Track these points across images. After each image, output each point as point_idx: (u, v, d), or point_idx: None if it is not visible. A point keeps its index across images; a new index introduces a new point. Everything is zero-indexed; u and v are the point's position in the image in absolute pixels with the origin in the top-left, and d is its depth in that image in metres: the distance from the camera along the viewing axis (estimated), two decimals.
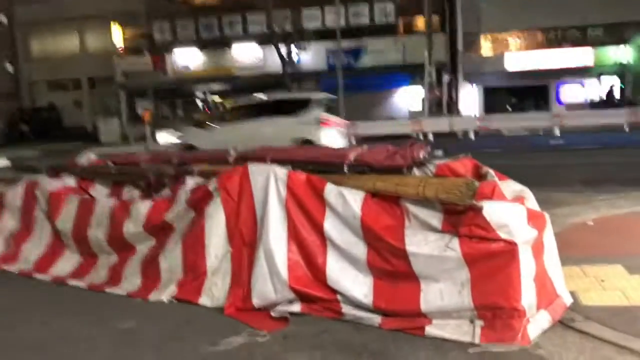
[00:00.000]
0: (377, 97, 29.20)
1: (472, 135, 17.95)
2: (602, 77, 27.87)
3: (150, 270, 4.84)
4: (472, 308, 3.63)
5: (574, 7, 25.81)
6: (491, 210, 3.58)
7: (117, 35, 31.63)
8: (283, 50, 24.90)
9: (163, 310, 4.42)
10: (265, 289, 4.19)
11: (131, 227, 5.04)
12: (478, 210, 3.60)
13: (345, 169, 4.39)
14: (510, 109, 29.23)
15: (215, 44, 30.35)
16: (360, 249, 4.03)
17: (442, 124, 18.12)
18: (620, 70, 27.15)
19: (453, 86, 28.60)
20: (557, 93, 29.79)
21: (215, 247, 4.56)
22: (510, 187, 4.03)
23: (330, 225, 4.16)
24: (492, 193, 3.74)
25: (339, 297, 4.07)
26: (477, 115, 19.24)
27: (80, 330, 4.11)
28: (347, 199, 4.10)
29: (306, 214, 4.27)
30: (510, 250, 3.55)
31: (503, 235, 3.57)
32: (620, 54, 26.76)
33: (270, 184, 4.40)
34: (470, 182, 3.73)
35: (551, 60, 27.60)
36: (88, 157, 6.27)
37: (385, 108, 29.00)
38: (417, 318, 3.79)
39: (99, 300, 4.72)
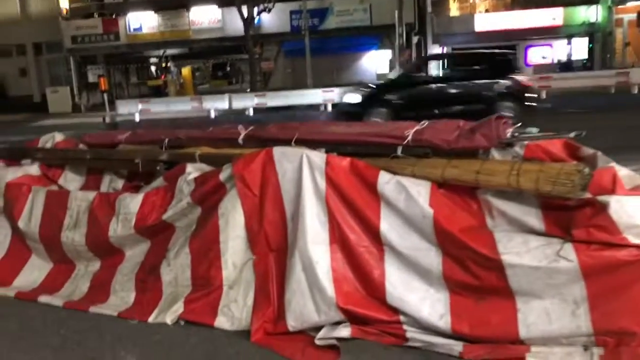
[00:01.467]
0: (344, 60, 28.14)
1: None
2: (572, 38, 27.47)
3: (148, 283, 3.83)
4: (591, 333, 2.80)
5: None
6: (620, 206, 2.72)
7: None
8: (244, 11, 23.41)
9: (168, 338, 3.44)
10: (305, 308, 3.27)
11: (118, 228, 4.00)
12: (601, 207, 2.74)
13: (399, 151, 3.45)
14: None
15: (171, 6, 28.44)
16: (432, 258, 3.12)
17: None
18: (590, 31, 26.77)
19: (422, 48, 27.71)
20: (525, 55, 29.37)
21: (232, 254, 3.58)
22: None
23: (388, 227, 3.23)
24: (612, 183, 2.88)
25: (402, 318, 3.18)
26: None
27: None
28: (410, 193, 3.18)
29: (354, 212, 3.33)
30: None
31: (634, 240, 2.72)
32: (590, 13, 26.32)
33: (304, 173, 3.43)
34: (582, 168, 2.86)
35: (520, 21, 26.99)
36: (53, 137, 5.10)
37: (352, 72, 27.94)
38: (511, 345, 2.94)
39: (80, 326, 3.68)
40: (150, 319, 3.63)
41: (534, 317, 2.88)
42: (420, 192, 3.17)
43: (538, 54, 29.35)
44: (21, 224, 4.44)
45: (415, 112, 9.14)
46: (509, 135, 3.19)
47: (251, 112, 16.85)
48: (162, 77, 35.60)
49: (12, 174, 4.65)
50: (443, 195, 3.22)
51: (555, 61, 28.43)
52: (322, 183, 3.38)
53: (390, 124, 3.85)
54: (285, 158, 3.52)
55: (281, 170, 3.52)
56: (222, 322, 3.50)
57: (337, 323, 3.27)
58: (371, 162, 3.43)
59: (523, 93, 11.23)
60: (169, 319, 3.58)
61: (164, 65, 35.81)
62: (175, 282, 3.72)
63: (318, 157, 3.44)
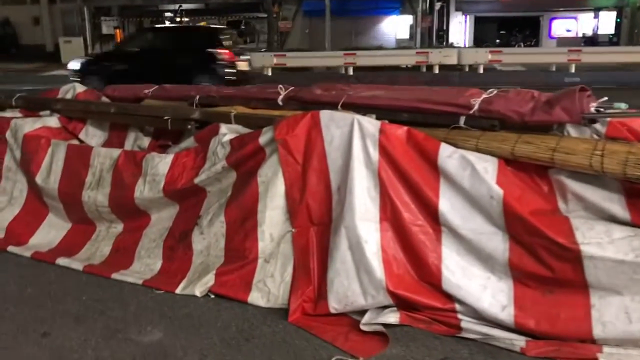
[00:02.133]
0: (363, 23, 27.39)
1: (481, 70, 16.60)
2: (600, 12, 26.64)
3: (178, 252, 3.55)
4: None
5: None
6: None
7: None
8: None
9: (198, 312, 3.17)
10: (349, 290, 2.98)
11: (145, 190, 3.70)
12: None
13: (462, 121, 3.11)
14: (498, 41, 27.92)
15: None
16: (497, 243, 2.81)
17: (450, 55, 16.59)
18: (619, 5, 25.89)
19: (444, 15, 26.96)
20: (549, 27, 28.57)
21: (270, 225, 3.29)
22: None
23: (448, 206, 2.92)
24: None
25: (457, 306, 2.88)
26: (488, 48, 17.81)
27: (83, 348, 2.85)
28: (476, 169, 2.85)
29: (409, 188, 3.00)
30: None
31: None
32: None
33: (354, 141, 3.10)
34: None
35: None
36: (74, 88, 4.77)
37: (371, 36, 27.23)
38: (581, 344, 2.65)
39: (102, 294, 3.42)
40: (178, 290, 3.36)
41: (611, 315, 2.59)
42: (487, 168, 2.85)
43: (562, 27, 28.60)
44: (39, 179, 4.15)
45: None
46: (592, 109, 2.83)
47: (269, 72, 16.37)
48: None
49: (31, 125, 4.34)
50: (512, 173, 2.89)
51: (580, 35, 27.65)
52: (374, 153, 3.05)
53: (453, 90, 3.47)
54: (334, 123, 3.18)
55: (328, 137, 3.19)
56: (256, 298, 3.22)
57: (384, 308, 2.99)
58: (428, 132, 3.09)
59: (223, 67, 12.59)
60: (198, 291, 3.31)
61: (178, 20, 35.07)
62: (207, 252, 3.44)
63: (371, 124, 3.10)
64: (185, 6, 29.95)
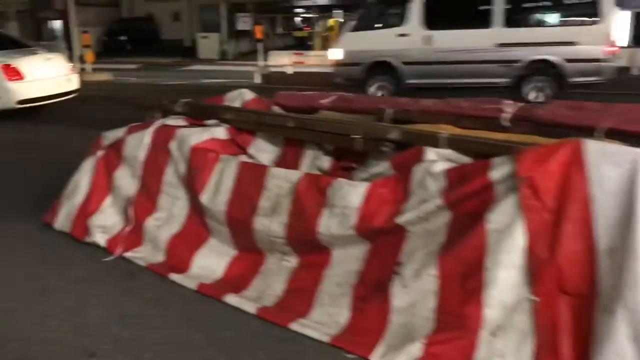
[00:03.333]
0: None
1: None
2: None
3: (371, 304, 2.87)
4: None
5: None
6: None
7: None
8: None
9: None
10: None
11: (332, 225, 3.06)
12: None
13: None
14: None
15: None
16: None
17: None
18: None
19: None
20: None
21: (501, 288, 2.51)
22: None
23: None
24: None
25: None
26: None
27: None
28: None
29: None
30: None
31: None
32: None
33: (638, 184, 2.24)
34: None
35: None
36: (241, 94, 4.27)
37: None
38: None
39: (282, 351, 2.82)
40: (375, 357, 2.68)
41: None
42: None
43: None
44: (204, 198, 3.66)
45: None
46: None
47: None
48: (307, 28, 34.92)
49: (198, 136, 3.87)
50: None
51: None
52: None
53: None
54: (606, 159, 2.34)
55: (596, 177, 2.35)
56: None
57: None
58: None
59: None
60: None
61: (310, 16, 35.10)
62: (412, 312, 2.73)
63: None
64: (319, 1, 29.75)
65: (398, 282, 2.81)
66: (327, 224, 3.07)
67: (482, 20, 9.78)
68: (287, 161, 3.79)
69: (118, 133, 4.34)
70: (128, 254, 3.90)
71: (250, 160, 3.82)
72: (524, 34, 9.62)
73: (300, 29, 35.42)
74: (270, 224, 3.33)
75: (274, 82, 14.72)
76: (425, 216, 2.80)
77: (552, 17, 9.87)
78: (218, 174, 3.66)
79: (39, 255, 4.03)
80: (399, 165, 3.06)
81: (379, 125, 3.34)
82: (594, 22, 9.28)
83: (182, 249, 3.78)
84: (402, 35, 10.22)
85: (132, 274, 3.68)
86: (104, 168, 4.29)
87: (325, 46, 30.84)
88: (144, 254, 3.87)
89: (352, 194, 3.01)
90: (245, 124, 3.94)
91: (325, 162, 3.60)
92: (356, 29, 10.79)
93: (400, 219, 2.84)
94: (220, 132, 4.00)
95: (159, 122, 4.18)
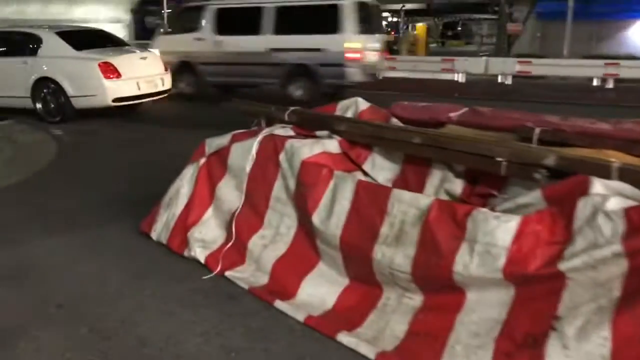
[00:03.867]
0: (606, 28, 24.05)
1: None
2: None
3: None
4: None
5: None
6: None
7: None
8: None
9: None
10: None
11: (473, 264, 2.60)
12: None
13: None
14: None
15: None
16: None
17: None
18: None
19: None
20: None
21: None
22: None
23: None
24: None
25: None
26: None
27: None
28: None
29: None
30: None
31: None
32: None
33: None
34: None
35: None
36: (356, 103, 3.88)
37: (615, 42, 23.80)
38: None
39: None
40: None
41: None
42: None
43: None
44: (316, 219, 3.28)
45: None
46: None
47: (508, 80, 14.60)
48: (392, 32, 34.33)
49: (309, 149, 3.51)
50: None
51: None
52: None
53: None
54: None
55: None
56: None
57: None
58: None
59: None
60: None
61: (398, 20, 34.51)
62: None
63: None
64: (407, 6, 29.18)
65: (557, 341, 2.32)
66: (467, 263, 2.61)
67: (257, 28, 11.28)
68: (407, 181, 3.37)
69: (222, 140, 4.06)
70: (228, 273, 3.60)
71: (366, 179, 3.42)
72: (287, 41, 11.00)
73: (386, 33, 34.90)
74: (393, 255, 2.91)
75: (365, 86, 14.30)
76: (595, 264, 2.29)
77: (308, 27, 10.92)
78: (331, 192, 3.28)
79: (133, 268, 3.81)
80: (557, 198, 2.57)
81: (532, 147, 2.84)
82: (337, 32, 10.54)
83: (288, 272, 3.43)
84: (199, 39, 11.86)
85: (234, 297, 3.36)
86: (206, 177, 4.02)
87: (411, 51, 30.29)
88: (245, 275, 3.55)
89: (500, 229, 2.54)
90: (361, 137, 3.55)
91: (457, 185, 3.14)
92: (167, 33, 12.73)
93: (563, 266, 2.34)
94: (333, 145, 3.62)
95: (266, 131, 3.87)
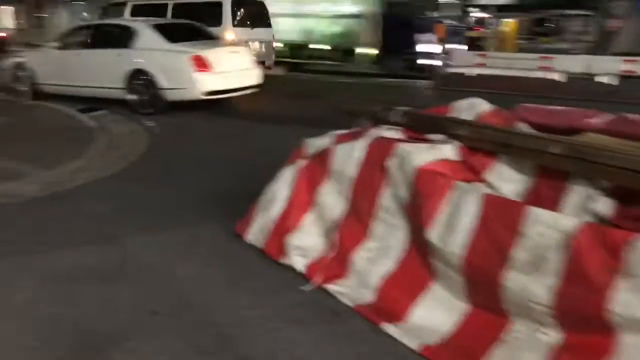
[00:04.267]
0: None
1: None
2: None
3: None
4: None
5: None
6: None
7: None
8: None
9: None
10: None
11: (635, 303, 2.19)
12: None
13: None
14: None
15: None
16: None
17: None
18: None
19: None
20: None
21: None
22: None
23: None
24: None
25: None
26: None
27: None
28: None
29: None
30: None
31: None
32: None
33: None
34: None
35: None
36: (475, 105, 3.49)
37: None
38: None
39: None
40: None
41: None
42: None
43: None
44: (433, 235, 2.94)
45: None
46: None
47: (613, 80, 13.49)
48: (476, 28, 33.08)
49: (424, 155, 3.17)
50: None
51: None
52: None
53: None
54: None
55: None
56: None
57: None
58: None
59: None
60: None
61: (484, 16, 33.30)
62: None
63: None
64: (498, 1, 27.97)
65: None
66: (627, 301, 2.20)
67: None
68: (540, 197, 2.96)
69: (323, 141, 3.79)
70: (329, 286, 3.32)
71: (490, 191, 3.03)
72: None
73: (471, 29, 33.67)
74: (529, 284, 2.53)
75: (451, 84, 13.69)
76: None
77: None
78: (452, 205, 2.92)
79: (228, 274, 3.61)
80: None
81: None
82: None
83: (397, 292, 3.11)
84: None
85: (338, 315, 3.08)
86: (306, 180, 3.76)
87: (499, 47, 29.09)
88: (348, 290, 3.26)
89: None
90: (484, 143, 3.16)
91: (605, 206, 2.70)
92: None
93: None
94: (450, 151, 3.26)
95: (373, 133, 3.55)
